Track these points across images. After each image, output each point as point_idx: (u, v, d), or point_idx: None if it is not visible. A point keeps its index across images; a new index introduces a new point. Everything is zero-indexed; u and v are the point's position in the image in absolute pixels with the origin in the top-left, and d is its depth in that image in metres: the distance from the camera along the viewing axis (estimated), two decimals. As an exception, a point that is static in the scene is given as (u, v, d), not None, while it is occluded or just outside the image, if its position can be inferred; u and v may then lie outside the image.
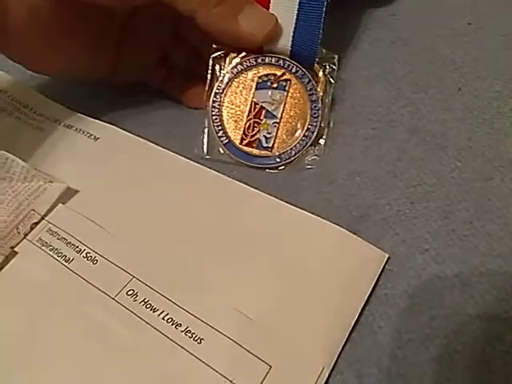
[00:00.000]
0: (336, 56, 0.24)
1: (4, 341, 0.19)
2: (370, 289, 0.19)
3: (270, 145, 0.24)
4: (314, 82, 0.24)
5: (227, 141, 0.24)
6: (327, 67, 0.24)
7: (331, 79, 0.24)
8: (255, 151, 0.24)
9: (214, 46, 0.24)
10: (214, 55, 0.24)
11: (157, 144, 0.25)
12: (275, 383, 0.17)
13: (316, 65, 0.24)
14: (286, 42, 0.24)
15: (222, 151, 0.24)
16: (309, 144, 0.24)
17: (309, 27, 0.23)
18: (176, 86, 0.27)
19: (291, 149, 0.24)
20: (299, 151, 0.23)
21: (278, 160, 0.24)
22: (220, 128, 0.24)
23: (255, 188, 0.23)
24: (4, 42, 0.23)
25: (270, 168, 0.24)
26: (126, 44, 0.26)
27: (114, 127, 0.26)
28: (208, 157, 0.24)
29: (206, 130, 0.24)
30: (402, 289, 0.19)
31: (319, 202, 0.22)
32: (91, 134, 0.26)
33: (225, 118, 0.24)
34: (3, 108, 0.28)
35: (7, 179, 0.22)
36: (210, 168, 0.24)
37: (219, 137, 0.24)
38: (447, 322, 0.18)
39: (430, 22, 0.29)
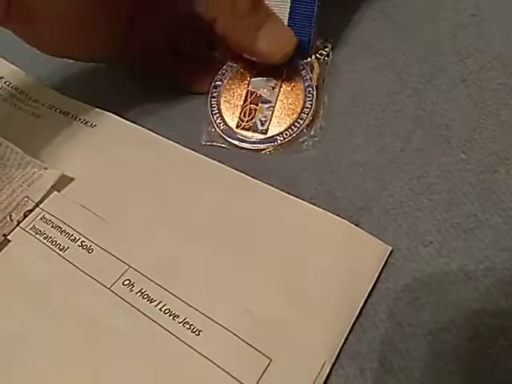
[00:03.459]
0: (330, 45, 0.26)
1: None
2: (373, 282, 0.19)
3: (266, 128, 0.24)
4: (308, 69, 0.25)
5: (224, 126, 0.25)
6: (321, 55, 0.25)
7: (325, 66, 0.25)
8: (251, 134, 0.24)
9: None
10: (217, 53, 0.26)
11: (153, 130, 0.25)
12: (275, 377, 0.17)
13: (311, 54, 0.25)
14: None
15: (219, 136, 0.25)
16: (303, 126, 0.24)
17: (303, 18, 0.24)
18: (181, 69, 0.27)
19: (286, 130, 0.24)
20: (294, 133, 0.24)
21: (272, 141, 0.24)
22: (218, 114, 0.25)
23: (256, 178, 0.22)
24: (27, 23, 0.22)
25: (265, 149, 0.24)
26: (138, 20, 0.25)
27: (111, 114, 0.26)
28: (204, 142, 0.25)
29: (204, 117, 0.25)
30: (404, 282, 0.19)
31: (321, 194, 0.22)
32: (88, 121, 0.25)
33: (222, 104, 0.25)
34: (-2, 94, 0.27)
35: (1, 165, 0.22)
36: (208, 156, 0.24)
37: (217, 123, 0.25)
38: (451, 316, 0.18)
39: (434, 14, 0.28)
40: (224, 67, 0.26)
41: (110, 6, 0.23)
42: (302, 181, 0.22)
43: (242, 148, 0.24)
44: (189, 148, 0.24)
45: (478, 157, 0.22)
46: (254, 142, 0.24)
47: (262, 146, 0.24)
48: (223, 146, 0.24)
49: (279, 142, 0.24)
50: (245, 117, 0.24)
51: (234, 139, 0.24)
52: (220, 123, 0.25)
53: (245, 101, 0.25)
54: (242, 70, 0.25)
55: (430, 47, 0.27)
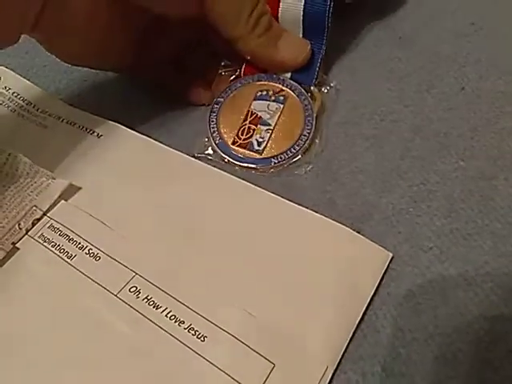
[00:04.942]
0: (334, 82, 0.26)
1: (4, 337, 0.19)
2: (374, 288, 0.19)
3: (261, 148, 0.24)
4: (310, 100, 0.25)
5: (220, 140, 0.25)
6: (324, 90, 0.26)
7: (327, 102, 0.26)
8: (246, 152, 0.24)
9: (222, 63, 0.27)
10: (222, 71, 0.27)
11: (156, 139, 0.25)
12: (279, 382, 0.17)
13: (314, 87, 0.26)
14: None
15: (213, 150, 0.25)
16: (299, 153, 0.24)
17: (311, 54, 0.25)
18: (183, 81, 0.27)
19: (281, 154, 0.24)
20: (289, 157, 0.24)
21: (266, 163, 0.24)
22: (215, 128, 0.25)
23: (258, 186, 0.23)
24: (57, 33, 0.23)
25: (257, 169, 0.24)
26: (151, 35, 0.26)
27: (116, 124, 0.26)
28: (197, 154, 0.25)
29: (200, 130, 0.25)
30: (405, 288, 0.19)
31: (322, 201, 0.22)
32: (94, 131, 0.26)
33: (221, 120, 0.25)
34: (7, 105, 0.28)
35: (10, 175, 0.22)
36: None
37: (213, 136, 0.25)
38: (451, 321, 0.18)
39: (433, 23, 0.29)
40: (228, 86, 0.26)
41: (130, 20, 0.24)
42: (304, 188, 0.23)
43: (234, 165, 0.24)
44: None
45: (476, 164, 0.22)
46: (248, 161, 0.24)
47: (255, 166, 0.24)
48: (217, 160, 0.24)
49: (273, 164, 0.24)
50: (242, 135, 0.25)
51: (228, 155, 0.24)
52: (216, 137, 0.25)
53: (244, 120, 0.25)
54: (245, 90, 0.26)
55: (429, 56, 0.27)
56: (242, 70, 0.26)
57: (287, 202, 0.22)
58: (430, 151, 0.23)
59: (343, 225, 0.21)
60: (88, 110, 0.27)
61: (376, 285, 0.19)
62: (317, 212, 0.21)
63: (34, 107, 0.28)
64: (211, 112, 0.25)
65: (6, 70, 0.30)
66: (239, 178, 0.23)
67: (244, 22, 0.23)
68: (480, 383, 0.17)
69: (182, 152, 0.25)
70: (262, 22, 0.24)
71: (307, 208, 0.21)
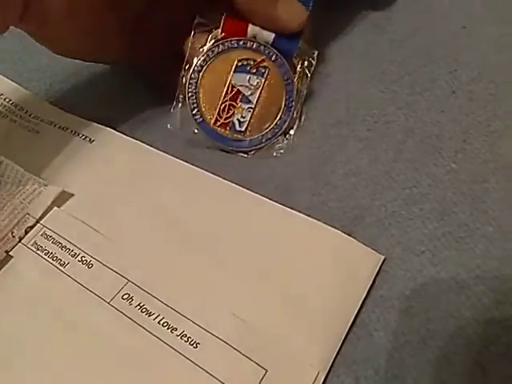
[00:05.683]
0: (316, 52, 0.25)
1: (-1, 346, 0.19)
2: (366, 291, 0.19)
3: (243, 129, 0.24)
4: (291, 73, 0.24)
5: (201, 120, 0.24)
6: (306, 61, 0.25)
7: (308, 73, 0.25)
8: (228, 133, 0.24)
9: (197, 19, 0.24)
10: (196, 30, 0.24)
11: (149, 143, 0.25)
12: (271, 387, 0.17)
13: (296, 57, 0.24)
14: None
15: (195, 130, 0.24)
16: (280, 133, 0.24)
17: None
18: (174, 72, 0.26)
19: (262, 135, 0.24)
20: (270, 138, 0.24)
21: (248, 145, 0.24)
22: (195, 106, 0.24)
23: (248, 189, 0.23)
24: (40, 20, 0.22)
25: (239, 152, 0.24)
26: (145, 23, 0.25)
27: (109, 129, 0.26)
28: (180, 133, 0.24)
29: (179, 107, 0.24)
30: (398, 291, 0.19)
31: (314, 204, 0.22)
32: (86, 137, 0.26)
33: (201, 96, 0.24)
34: (-2, 110, 0.28)
35: (1, 183, 0.22)
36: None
37: (193, 115, 0.24)
38: (443, 324, 0.18)
39: (425, 26, 0.29)
40: (207, 52, 0.24)
41: (121, 9, 0.24)
42: (297, 191, 0.23)
43: (216, 147, 0.24)
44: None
45: (468, 167, 0.22)
46: (230, 144, 0.24)
47: (237, 148, 0.24)
48: (197, 140, 0.24)
49: (254, 146, 0.24)
50: (223, 113, 0.24)
51: (211, 137, 0.24)
52: (197, 115, 0.24)
53: (225, 96, 0.24)
54: (224, 60, 0.24)
55: (420, 59, 0.27)
56: (221, 25, 0.24)
57: (279, 205, 0.22)
58: (423, 154, 0.23)
59: (335, 228, 0.21)
60: (80, 114, 0.27)
61: (368, 287, 0.19)
62: (308, 215, 0.21)
63: (25, 112, 0.27)
64: (189, 85, 0.24)
65: (-2, 75, 0.30)
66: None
67: None
68: (472, 386, 0.17)
69: (176, 154, 0.24)
70: None
71: (299, 211, 0.21)
